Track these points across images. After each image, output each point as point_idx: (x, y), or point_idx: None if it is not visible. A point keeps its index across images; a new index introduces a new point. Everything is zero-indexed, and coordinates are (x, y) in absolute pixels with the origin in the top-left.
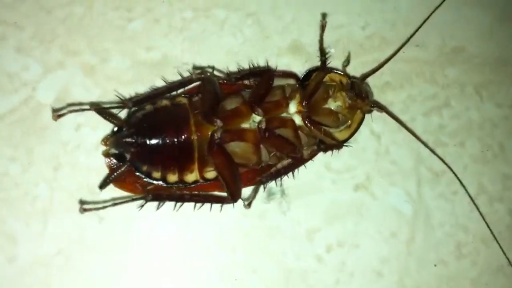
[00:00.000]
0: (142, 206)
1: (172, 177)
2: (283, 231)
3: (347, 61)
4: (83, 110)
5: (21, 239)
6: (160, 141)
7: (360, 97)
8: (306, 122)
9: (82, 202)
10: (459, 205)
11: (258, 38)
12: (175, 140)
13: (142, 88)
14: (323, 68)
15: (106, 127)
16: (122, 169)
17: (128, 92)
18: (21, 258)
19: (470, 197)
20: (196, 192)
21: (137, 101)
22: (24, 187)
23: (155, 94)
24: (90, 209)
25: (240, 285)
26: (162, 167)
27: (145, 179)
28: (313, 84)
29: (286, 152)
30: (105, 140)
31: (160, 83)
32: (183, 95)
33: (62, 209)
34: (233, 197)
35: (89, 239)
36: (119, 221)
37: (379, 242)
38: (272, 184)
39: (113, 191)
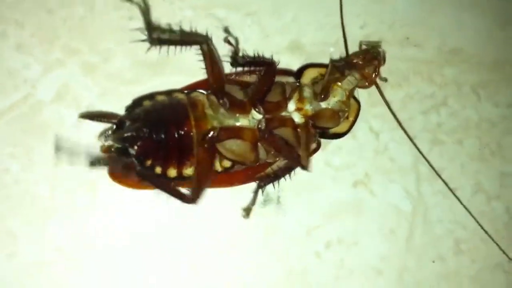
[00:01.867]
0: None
1: (172, 172)
2: (283, 228)
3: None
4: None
5: (21, 237)
6: (164, 135)
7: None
8: (310, 127)
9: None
10: (457, 202)
11: (258, 37)
12: (176, 134)
13: (142, 87)
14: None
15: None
16: (123, 164)
17: (128, 91)
18: (21, 256)
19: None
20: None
21: (160, 40)
22: (24, 185)
23: (172, 40)
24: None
25: (241, 284)
26: (163, 161)
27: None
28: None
29: (284, 154)
30: (104, 136)
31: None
32: (181, 91)
33: (62, 207)
34: (194, 198)
35: (90, 237)
36: (122, 219)
37: (378, 239)
38: (269, 187)
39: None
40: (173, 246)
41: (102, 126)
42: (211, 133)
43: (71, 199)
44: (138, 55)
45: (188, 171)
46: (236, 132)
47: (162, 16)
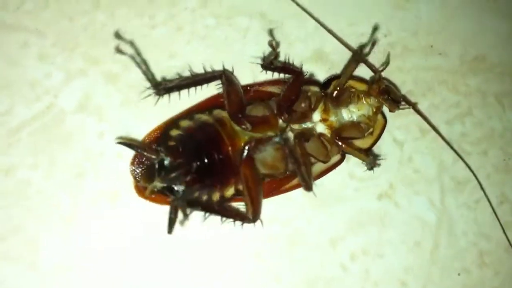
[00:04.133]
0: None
1: (216, 196)
2: (307, 239)
3: (386, 63)
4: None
5: (44, 247)
6: (208, 163)
7: (394, 100)
8: (336, 140)
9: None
10: (481, 214)
11: (281, 46)
12: (216, 156)
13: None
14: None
15: (129, 135)
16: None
17: (150, 99)
18: (43, 266)
19: (491, 205)
20: (224, 205)
21: (168, 89)
22: (46, 195)
23: (183, 85)
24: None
25: None
26: (209, 189)
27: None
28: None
29: (298, 169)
30: (146, 178)
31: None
32: (201, 113)
33: (84, 217)
34: (254, 217)
35: (112, 246)
36: (147, 229)
37: (403, 250)
38: None
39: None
40: (192, 253)
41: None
42: (247, 147)
43: (93, 209)
44: (159, 63)
45: (229, 192)
46: (268, 142)
47: (184, 25)
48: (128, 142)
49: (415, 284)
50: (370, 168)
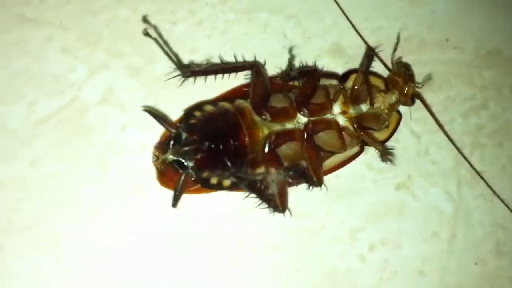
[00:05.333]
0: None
1: (227, 182)
2: (326, 231)
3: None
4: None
5: (68, 240)
6: (221, 146)
7: (410, 80)
8: (356, 126)
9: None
10: (497, 205)
11: (300, 40)
12: (231, 143)
13: (187, 89)
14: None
15: (151, 127)
16: (182, 178)
17: (172, 93)
18: (67, 259)
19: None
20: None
21: (194, 72)
22: (71, 187)
23: (210, 70)
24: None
25: (285, 284)
26: (220, 172)
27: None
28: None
29: (311, 164)
30: (159, 149)
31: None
32: (224, 101)
33: (108, 210)
34: (283, 207)
35: (137, 240)
36: (168, 223)
37: (420, 241)
38: None
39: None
40: (216, 244)
41: (145, 134)
42: (268, 140)
43: (117, 202)
44: (182, 56)
45: None
46: (289, 135)
47: (205, 20)
48: (152, 112)
49: (433, 273)
50: (384, 160)
